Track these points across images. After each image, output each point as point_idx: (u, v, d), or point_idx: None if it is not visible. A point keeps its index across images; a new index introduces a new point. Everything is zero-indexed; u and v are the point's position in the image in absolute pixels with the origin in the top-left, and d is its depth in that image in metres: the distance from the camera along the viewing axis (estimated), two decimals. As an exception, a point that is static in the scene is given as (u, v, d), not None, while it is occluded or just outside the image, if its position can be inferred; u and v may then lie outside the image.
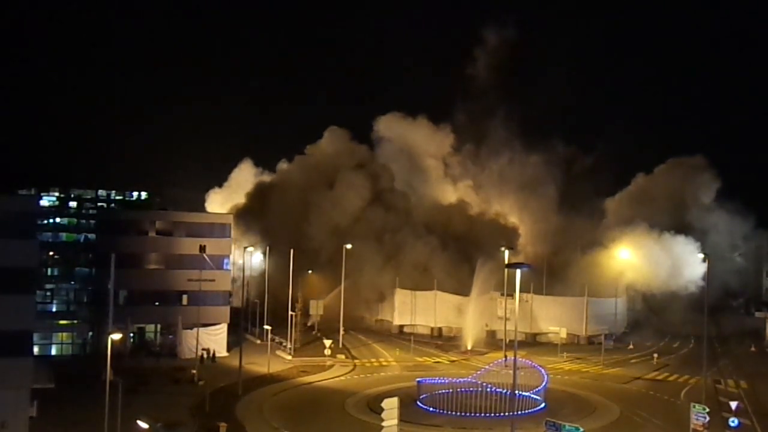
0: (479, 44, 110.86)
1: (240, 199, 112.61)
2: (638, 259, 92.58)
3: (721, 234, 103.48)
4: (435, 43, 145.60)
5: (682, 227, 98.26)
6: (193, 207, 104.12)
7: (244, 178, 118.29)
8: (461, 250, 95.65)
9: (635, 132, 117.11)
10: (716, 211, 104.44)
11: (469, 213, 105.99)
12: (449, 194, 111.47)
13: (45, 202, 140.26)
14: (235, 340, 69.58)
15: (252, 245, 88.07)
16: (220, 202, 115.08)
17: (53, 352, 70.69)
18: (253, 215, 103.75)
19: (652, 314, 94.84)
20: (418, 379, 56.87)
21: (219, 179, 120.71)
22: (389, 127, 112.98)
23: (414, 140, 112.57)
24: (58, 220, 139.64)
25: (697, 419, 44.01)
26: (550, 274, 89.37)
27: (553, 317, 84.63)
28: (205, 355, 68.53)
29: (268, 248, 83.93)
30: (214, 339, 72.44)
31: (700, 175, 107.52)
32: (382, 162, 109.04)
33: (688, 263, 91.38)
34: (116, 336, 43.50)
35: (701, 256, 57.89)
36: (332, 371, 67.87)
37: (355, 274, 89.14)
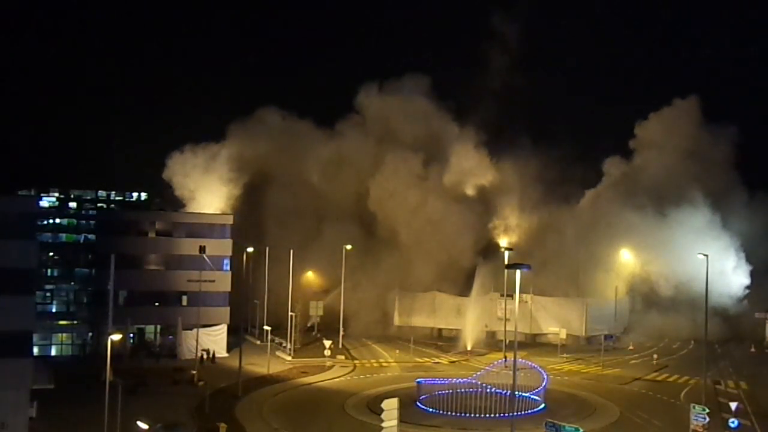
0: (489, 37, 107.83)
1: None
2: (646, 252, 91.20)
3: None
4: (444, 38, 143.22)
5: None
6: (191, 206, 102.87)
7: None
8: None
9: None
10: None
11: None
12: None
13: (45, 202, 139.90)
14: (234, 341, 69.62)
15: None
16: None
17: (53, 352, 70.82)
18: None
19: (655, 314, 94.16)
20: (417, 380, 56.89)
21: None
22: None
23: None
24: (57, 220, 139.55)
25: (696, 420, 44.10)
26: (550, 274, 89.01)
27: (553, 318, 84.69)
28: (204, 356, 68.58)
29: (267, 249, 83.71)
30: (214, 340, 72.52)
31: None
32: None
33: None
34: (116, 337, 43.49)
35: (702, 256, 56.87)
36: (332, 372, 67.91)
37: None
